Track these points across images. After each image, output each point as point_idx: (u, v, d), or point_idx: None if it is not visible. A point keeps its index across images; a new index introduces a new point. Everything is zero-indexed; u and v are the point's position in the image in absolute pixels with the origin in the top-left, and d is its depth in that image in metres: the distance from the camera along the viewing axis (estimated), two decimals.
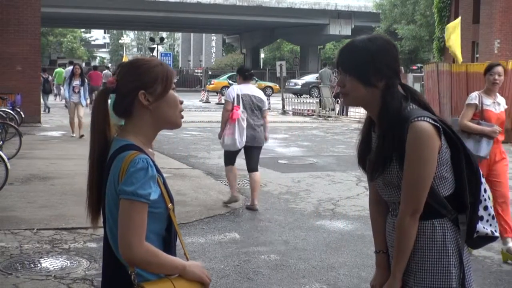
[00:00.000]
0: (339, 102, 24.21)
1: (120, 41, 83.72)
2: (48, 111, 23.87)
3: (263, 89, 43.92)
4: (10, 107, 14.90)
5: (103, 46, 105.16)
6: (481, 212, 2.49)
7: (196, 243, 6.47)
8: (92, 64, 63.22)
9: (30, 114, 17.48)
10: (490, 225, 2.53)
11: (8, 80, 17.74)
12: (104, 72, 34.61)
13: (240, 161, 12.18)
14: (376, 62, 2.40)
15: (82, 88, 15.40)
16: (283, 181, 10.17)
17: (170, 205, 2.23)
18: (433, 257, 2.42)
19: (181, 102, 2.31)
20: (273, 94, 40.93)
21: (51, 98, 29.95)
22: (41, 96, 21.33)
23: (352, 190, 9.44)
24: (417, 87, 24.98)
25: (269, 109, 8.38)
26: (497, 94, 6.20)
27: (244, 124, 7.79)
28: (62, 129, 17.71)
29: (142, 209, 2.12)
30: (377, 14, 43.28)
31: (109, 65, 63.94)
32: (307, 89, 42.00)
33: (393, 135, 2.39)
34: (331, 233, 7.07)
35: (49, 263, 5.74)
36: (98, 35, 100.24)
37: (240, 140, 7.77)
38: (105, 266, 2.30)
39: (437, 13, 27.79)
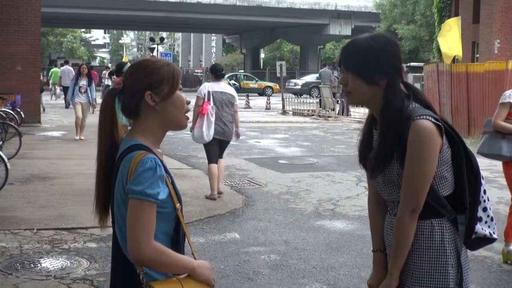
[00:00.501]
0: (339, 102, 24.23)
1: (120, 41, 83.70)
2: (43, 110, 23.90)
3: (263, 89, 44.06)
4: (10, 107, 14.90)
5: (103, 46, 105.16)
6: (480, 213, 2.49)
7: (196, 243, 6.46)
8: (91, 64, 63.24)
9: (30, 114, 17.48)
10: (489, 226, 2.53)
11: (8, 80, 17.74)
12: (104, 72, 34.66)
13: (240, 161, 12.21)
14: (379, 60, 2.40)
15: (89, 88, 15.00)
16: (283, 181, 10.17)
17: (178, 205, 2.24)
18: (431, 256, 2.42)
19: (188, 103, 2.33)
20: (273, 94, 40.94)
21: (48, 97, 29.97)
22: None
23: (352, 190, 9.44)
24: (417, 87, 24.95)
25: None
26: None
27: (213, 119, 8.29)
28: (62, 129, 17.72)
29: (150, 209, 2.13)
30: (377, 14, 43.27)
31: (109, 65, 63.93)
32: (307, 89, 42.00)
33: (394, 133, 2.39)
34: (331, 233, 7.07)
35: (49, 263, 5.74)
36: (98, 35, 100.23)
37: (208, 133, 8.24)
38: (114, 265, 2.31)
39: (437, 13, 27.77)
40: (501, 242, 6.63)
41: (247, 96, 31.91)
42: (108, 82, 28.23)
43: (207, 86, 8.51)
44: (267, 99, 31.05)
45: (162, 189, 2.15)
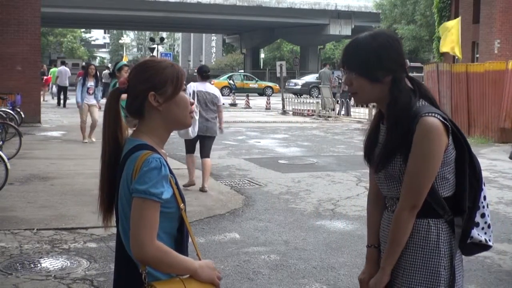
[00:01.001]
0: (339, 102, 24.24)
1: (120, 41, 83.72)
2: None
3: (263, 89, 44.06)
4: (10, 107, 14.90)
5: (103, 46, 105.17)
6: (477, 218, 2.48)
7: (197, 243, 6.45)
8: (84, 64, 63.22)
9: (30, 114, 17.48)
10: (485, 233, 2.51)
11: (8, 80, 17.73)
12: (104, 72, 34.68)
13: (240, 161, 12.21)
14: (381, 58, 2.40)
15: (96, 89, 14.56)
16: (283, 181, 10.17)
17: (182, 205, 2.24)
18: (424, 256, 2.42)
19: (192, 103, 2.33)
20: (273, 94, 40.94)
21: (48, 97, 30.04)
22: None
23: (352, 190, 9.44)
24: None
25: (223, 104, 9.96)
26: None
27: (197, 117, 8.67)
28: (62, 129, 17.72)
29: (154, 208, 2.13)
30: (377, 14, 43.27)
31: (109, 65, 63.93)
32: (307, 89, 42.01)
33: (402, 128, 2.38)
34: (331, 233, 7.07)
35: (49, 263, 5.74)
36: (98, 35, 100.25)
37: (193, 130, 8.58)
38: (117, 264, 2.32)
39: (437, 13, 27.77)
40: (501, 242, 6.63)
41: (247, 96, 31.91)
42: (108, 81, 28.32)
43: (193, 86, 8.96)
44: (267, 99, 31.05)
45: (166, 189, 2.16)
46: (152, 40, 59.11)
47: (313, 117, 24.33)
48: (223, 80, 44.57)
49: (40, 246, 6.25)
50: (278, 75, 27.68)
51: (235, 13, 49.27)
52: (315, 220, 7.62)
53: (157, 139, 2.28)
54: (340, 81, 25.62)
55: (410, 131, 2.36)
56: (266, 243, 6.60)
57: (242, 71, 55.30)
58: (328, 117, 23.57)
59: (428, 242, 2.41)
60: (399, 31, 38.43)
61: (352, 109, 24.14)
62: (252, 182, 9.98)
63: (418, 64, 28.41)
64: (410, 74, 2.51)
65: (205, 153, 9.12)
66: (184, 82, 2.33)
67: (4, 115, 13.53)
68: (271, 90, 43.47)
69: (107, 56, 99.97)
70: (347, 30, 52.20)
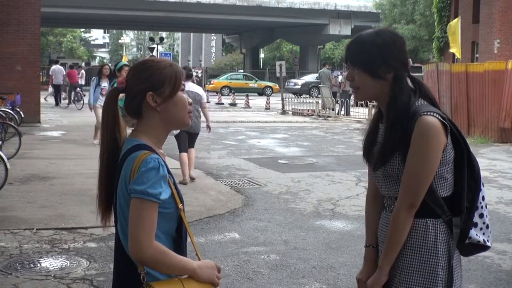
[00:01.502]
0: (338, 102, 24.24)
1: (119, 41, 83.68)
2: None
3: (263, 89, 44.07)
4: (10, 107, 14.90)
5: (102, 46, 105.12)
6: (476, 218, 2.48)
7: (196, 243, 6.45)
8: (90, 63, 63.26)
9: (29, 114, 17.48)
10: (483, 233, 2.51)
11: (8, 80, 17.73)
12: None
13: (240, 161, 12.21)
14: (384, 54, 2.41)
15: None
16: (283, 181, 10.17)
17: (180, 205, 2.24)
18: (422, 256, 2.41)
19: (190, 103, 2.33)
20: (272, 94, 40.94)
21: (48, 97, 30.05)
22: None
23: (352, 190, 9.44)
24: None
25: (208, 102, 10.47)
26: None
27: None
28: (61, 129, 17.71)
29: (152, 208, 2.13)
30: (377, 14, 43.27)
31: (109, 64, 63.89)
32: (306, 89, 42.01)
33: (400, 127, 2.38)
34: (331, 233, 7.07)
35: (49, 263, 5.73)
36: (97, 35, 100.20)
37: None
38: (116, 264, 2.32)
39: (436, 13, 27.79)
40: (501, 242, 6.64)
41: (247, 96, 31.91)
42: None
43: None
44: (267, 99, 31.05)
45: (164, 189, 2.15)
46: (151, 40, 59.11)
47: (313, 117, 24.33)
48: (222, 80, 44.60)
49: (39, 246, 6.25)
50: (277, 75, 27.68)
51: (235, 13, 49.25)
52: (314, 220, 7.62)
53: (155, 139, 2.28)
54: (341, 80, 25.64)
55: (408, 130, 2.36)
56: (266, 243, 6.60)
57: (242, 71, 55.31)
58: (328, 117, 23.57)
59: (426, 242, 2.41)
60: (398, 31, 38.27)
61: (351, 109, 24.15)
62: (251, 182, 9.98)
63: (418, 64, 28.37)
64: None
65: (190, 145, 9.77)
66: (183, 82, 2.32)
67: (3, 115, 13.53)
68: (270, 90, 43.48)
69: (106, 56, 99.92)
70: (346, 30, 52.20)
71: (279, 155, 13.32)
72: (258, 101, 34.68)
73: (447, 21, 22.43)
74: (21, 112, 15.47)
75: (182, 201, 2.26)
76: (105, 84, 13.59)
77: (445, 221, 2.42)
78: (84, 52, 77.94)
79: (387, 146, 2.43)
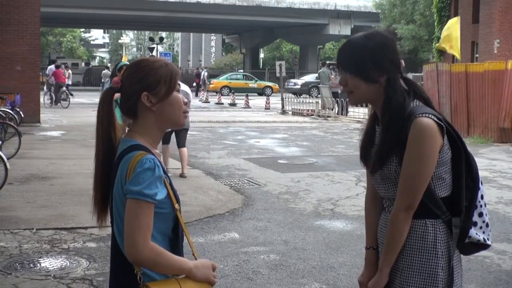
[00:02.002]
0: (338, 102, 24.24)
1: (119, 41, 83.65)
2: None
3: (263, 89, 44.08)
4: (10, 107, 14.90)
5: (102, 46, 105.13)
6: (475, 218, 2.48)
7: (196, 243, 6.46)
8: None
9: (29, 114, 17.49)
10: (483, 232, 2.50)
11: (8, 80, 17.74)
12: (103, 72, 34.72)
13: (240, 161, 12.21)
14: (376, 57, 2.39)
15: None
16: (282, 181, 10.17)
17: (176, 205, 2.23)
18: (422, 257, 2.41)
19: (185, 103, 2.31)
20: (272, 94, 40.94)
21: (45, 97, 30.16)
22: None
23: (352, 190, 9.44)
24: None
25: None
26: None
27: None
28: (61, 129, 17.71)
29: (148, 209, 2.12)
30: (377, 14, 43.29)
31: (109, 64, 63.94)
32: (306, 89, 42.02)
33: (396, 129, 2.38)
34: (330, 233, 7.07)
35: (49, 263, 5.74)
36: (97, 35, 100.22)
37: None
38: (113, 265, 2.31)
39: (436, 13, 27.80)
40: (501, 242, 6.64)
41: (247, 96, 31.91)
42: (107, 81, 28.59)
43: None
44: (267, 99, 31.04)
45: (160, 190, 2.14)
46: (151, 39, 59.12)
47: (313, 117, 24.33)
48: (222, 80, 44.60)
49: (39, 246, 6.25)
50: (277, 75, 27.69)
51: (235, 13, 49.26)
52: (314, 220, 7.62)
53: (150, 139, 2.27)
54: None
55: (404, 132, 2.36)
56: (266, 243, 6.60)
57: (242, 71, 55.31)
58: (328, 117, 23.57)
59: (426, 242, 2.41)
60: (398, 31, 38.47)
61: (351, 109, 24.14)
62: (251, 182, 9.98)
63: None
64: (411, 74, 2.51)
65: (181, 144, 10.07)
66: (178, 82, 2.31)
67: (3, 115, 13.53)
68: (270, 90, 43.49)
69: (106, 56, 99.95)
70: (346, 30, 52.21)
71: (279, 155, 13.32)
72: (258, 101, 34.68)
73: (447, 21, 22.42)
74: (21, 112, 15.47)
75: (178, 201, 2.26)
76: None
77: (445, 221, 2.42)
78: (84, 52, 77.97)
79: (383, 148, 2.43)
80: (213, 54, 75.10)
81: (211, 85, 43.03)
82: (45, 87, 30.51)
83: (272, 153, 13.60)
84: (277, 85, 41.18)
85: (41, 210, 7.70)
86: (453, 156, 2.43)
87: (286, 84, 40.60)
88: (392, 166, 2.41)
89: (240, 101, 31.68)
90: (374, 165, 2.47)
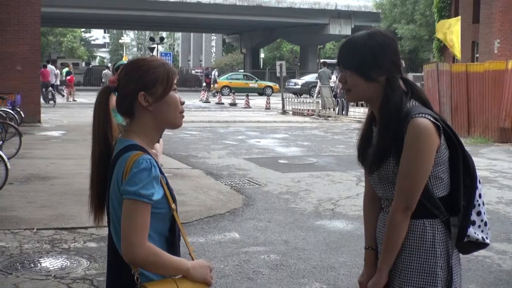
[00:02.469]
0: (338, 102, 24.24)
1: (120, 41, 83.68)
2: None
3: (263, 89, 44.07)
4: (10, 107, 14.91)
5: (103, 46, 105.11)
6: (473, 217, 2.47)
7: (196, 243, 6.47)
8: (90, 63, 63.23)
9: (30, 114, 17.49)
10: (482, 231, 2.51)
11: (8, 80, 17.74)
12: (104, 72, 34.75)
13: (240, 161, 12.21)
14: (376, 56, 2.40)
15: None
16: (283, 181, 10.17)
17: (173, 205, 2.22)
18: (420, 257, 2.41)
19: (182, 103, 2.30)
20: (273, 94, 40.94)
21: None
22: None
23: (352, 190, 9.45)
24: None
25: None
26: None
27: None
28: (62, 128, 17.72)
29: (144, 209, 2.11)
30: (377, 14, 43.28)
31: (109, 64, 63.95)
32: (307, 89, 42.01)
33: (393, 130, 2.38)
34: (331, 233, 7.07)
35: (49, 263, 5.74)
36: (98, 35, 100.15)
37: None
38: (109, 265, 2.30)
39: (437, 12, 27.80)
40: (501, 242, 6.64)
41: (247, 96, 31.92)
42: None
43: None
44: (267, 99, 31.05)
45: (157, 190, 2.14)
46: (152, 39, 59.07)
47: (313, 117, 24.33)
48: (222, 80, 44.59)
49: (40, 246, 6.25)
50: (278, 75, 27.69)
51: (235, 13, 49.24)
52: (315, 220, 7.63)
53: (147, 139, 2.26)
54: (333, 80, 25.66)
55: (401, 133, 2.36)
56: (266, 243, 6.60)
57: (242, 71, 55.32)
58: (328, 117, 23.57)
59: (424, 242, 2.41)
60: (398, 31, 38.49)
61: (351, 109, 24.13)
62: (252, 182, 9.98)
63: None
64: (411, 74, 2.51)
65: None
66: (175, 82, 2.29)
67: (4, 114, 13.54)
68: (271, 89, 43.50)
69: (107, 55, 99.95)
70: (347, 30, 52.17)
71: (279, 155, 13.32)
72: (258, 101, 34.68)
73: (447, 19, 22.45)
74: (21, 112, 15.48)
75: (175, 201, 2.25)
76: None
77: (443, 221, 2.42)
78: (84, 52, 77.90)
79: (380, 149, 2.43)
80: (213, 54, 75.11)
81: (211, 85, 43.01)
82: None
83: (272, 153, 13.60)
84: (277, 85, 41.18)
85: (42, 210, 7.71)
86: (450, 155, 2.43)
87: (286, 84, 40.60)
88: (390, 166, 2.41)
89: (241, 101, 31.68)
90: (372, 166, 2.48)
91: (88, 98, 33.15)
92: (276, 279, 5.48)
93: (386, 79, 2.41)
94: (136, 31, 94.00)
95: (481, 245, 2.53)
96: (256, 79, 46.41)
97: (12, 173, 8.81)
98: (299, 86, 42.67)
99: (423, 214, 2.40)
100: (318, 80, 27.16)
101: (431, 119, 2.35)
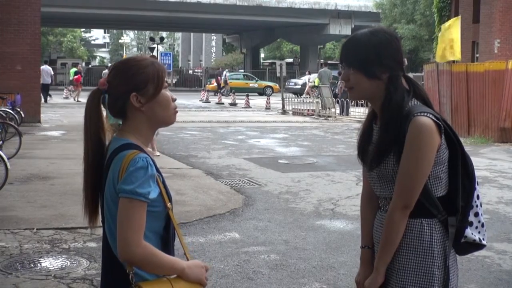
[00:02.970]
0: (339, 102, 24.24)
1: (120, 40, 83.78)
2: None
3: (263, 89, 44.07)
4: (10, 107, 14.90)
5: (103, 45, 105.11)
6: (471, 217, 2.47)
7: (196, 243, 6.47)
8: (90, 63, 63.22)
9: (30, 114, 17.49)
10: (479, 232, 2.50)
11: (8, 80, 17.74)
12: (104, 72, 34.79)
13: (240, 161, 12.21)
14: (379, 54, 2.39)
15: None
16: (283, 181, 10.17)
17: (169, 204, 2.22)
18: (417, 256, 2.41)
19: (174, 100, 2.29)
20: (273, 94, 40.95)
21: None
22: None
23: (352, 190, 9.44)
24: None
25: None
26: None
27: None
28: (62, 128, 17.72)
29: (140, 208, 2.11)
30: (377, 14, 43.32)
31: (109, 64, 63.93)
32: None
33: (394, 127, 2.38)
34: (331, 233, 7.07)
35: (49, 263, 5.74)
36: (98, 35, 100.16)
37: None
38: (104, 265, 2.29)
39: (437, 12, 27.80)
40: (501, 242, 6.64)
41: (247, 95, 31.92)
42: None
43: None
44: (267, 98, 31.06)
45: (153, 188, 2.13)
46: (152, 39, 59.02)
47: (313, 116, 24.33)
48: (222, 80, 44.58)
49: (40, 246, 6.25)
50: (278, 74, 27.70)
51: (235, 13, 49.27)
52: (315, 220, 7.62)
53: (141, 138, 2.25)
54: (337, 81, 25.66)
55: (402, 131, 2.36)
56: (266, 243, 6.60)
57: (242, 70, 55.32)
58: (328, 116, 23.57)
59: (422, 242, 2.40)
60: (399, 31, 38.52)
61: (352, 109, 24.13)
62: (252, 182, 9.98)
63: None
64: (412, 74, 2.51)
65: None
66: (166, 80, 2.28)
67: (4, 114, 13.54)
68: (271, 89, 43.52)
69: (107, 55, 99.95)
70: (347, 30, 52.21)
71: (279, 155, 13.32)
72: (258, 101, 34.68)
73: (447, 21, 22.42)
74: (21, 112, 15.47)
75: (170, 200, 2.24)
76: None
77: (441, 220, 2.42)
78: (84, 52, 77.89)
79: (381, 146, 2.43)
80: (213, 54, 75.16)
81: (210, 85, 43.04)
82: None
83: (272, 153, 13.60)
84: (277, 85, 41.19)
85: (42, 210, 7.71)
86: (450, 155, 2.43)
87: (286, 84, 40.62)
88: (390, 164, 2.41)
89: (241, 101, 31.69)
90: (372, 163, 2.47)
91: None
92: (276, 279, 5.48)
93: (388, 77, 2.41)
94: (136, 31, 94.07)
95: (477, 246, 2.53)
96: (256, 79, 46.43)
97: (12, 173, 8.81)
98: (299, 86, 42.68)
99: (421, 214, 2.40)
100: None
101: (433, 118, 2.35)
